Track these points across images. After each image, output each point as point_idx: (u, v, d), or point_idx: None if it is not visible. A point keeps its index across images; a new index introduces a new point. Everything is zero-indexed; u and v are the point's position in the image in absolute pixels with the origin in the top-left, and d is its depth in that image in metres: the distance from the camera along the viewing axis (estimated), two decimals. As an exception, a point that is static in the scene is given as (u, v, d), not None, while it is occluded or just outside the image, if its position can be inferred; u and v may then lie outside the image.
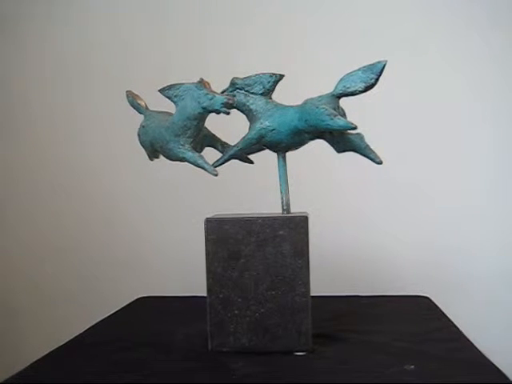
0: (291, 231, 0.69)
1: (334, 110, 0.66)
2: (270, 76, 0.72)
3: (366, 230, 1.17)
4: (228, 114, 0.68)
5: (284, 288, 0.69)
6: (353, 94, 0.66)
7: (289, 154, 0.75)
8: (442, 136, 1.14)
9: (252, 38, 1.18)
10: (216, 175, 0.70)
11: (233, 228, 0.70)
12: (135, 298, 1.01)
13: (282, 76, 0.73)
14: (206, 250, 0.70)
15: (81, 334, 0.80)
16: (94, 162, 1.12)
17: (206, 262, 0.70)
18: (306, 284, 0.69)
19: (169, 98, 0.70)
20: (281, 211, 0.74)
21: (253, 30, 1.18)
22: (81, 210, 1.11)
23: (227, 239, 0.70)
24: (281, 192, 0.75)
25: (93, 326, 0.84)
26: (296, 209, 0.77)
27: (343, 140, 0.69)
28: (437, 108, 1.14)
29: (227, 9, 1.18)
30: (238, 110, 0.73)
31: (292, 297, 0.69)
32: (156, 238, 1.15)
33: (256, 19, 1.19)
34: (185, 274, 1.11)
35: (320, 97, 0.68)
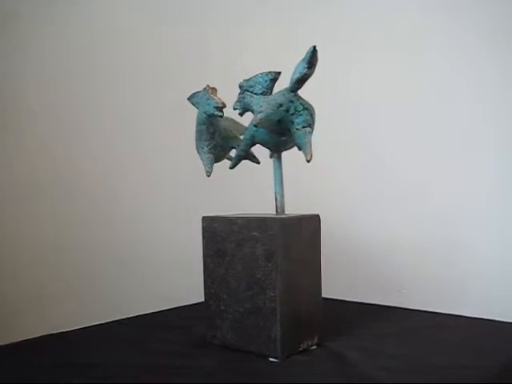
0: (263, 233, 0.67)
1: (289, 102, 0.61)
2: (266, 75, 0.71)
3: (367, 230, 1.16)
4: (221, 116, 0.71)
5: (257, 290, 0.68)
6: (298, 83, 0.60)
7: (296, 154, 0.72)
8: (442, 136, 1.11)
9: (253, 38, 1.17)
10: (208, 176, 0.73)
11: (220, 226, 0.72)
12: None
13: (278, 73, 0.71)
14: (202, 245, 0.75)
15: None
16: (94, 162, 1.11)
17: (203, 257, 0.75)
18: (275, 289, 0.66)
19: (194, 105, 0.77)
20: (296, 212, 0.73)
21: (253, 31, 1.17)
22: (81, 209, 1.11)
23: (216, 237, 0.73)
24: (275, 193, 0.72)
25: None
26: (309, 209, 0.73)
27: (295, 136, 0.63)
28: (438, 108, 1.11)
29: (229, 10, 1.17)
30: (249, 111, 0.74)
31: (263, 300, 0.67)
32: (156, 238, 1.14)
33: (256, 19, 1.18)
34: (185, 274, 1.11)
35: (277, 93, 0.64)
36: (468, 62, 1.08)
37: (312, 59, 0.57)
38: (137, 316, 0.91)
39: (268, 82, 0.71)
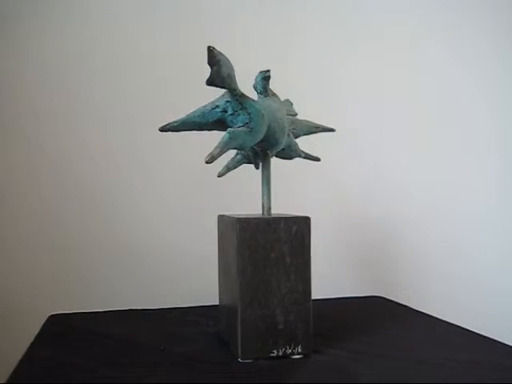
0: (233, 233, 0.67)
1: None
2: (258, 74, 0.71)
3: (368, 231, 1.16)
4: None
5: (232, 289, 0.69)
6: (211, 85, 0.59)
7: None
8: (444, 136, 1.14)
9: (254, 37, 1.12)
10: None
11: (221, 225, 0.76)
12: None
13: (267, 71, 0.70)
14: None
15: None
16: (93, 162, 1.08)
17: (219, 251, 0.79)
18: (239, 289, 0.66)
19: None
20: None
21: (253, 30, 1.12)
22: (81, 210, 1.07)
23: (220, 234, 0.77)
24: (262, 195, 0.71)
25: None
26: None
27: None
28: (440, 108, 1.13)
29: (229, 9, 1.10)
30: None
31: (233, 299, 0.68)
32: (156, 238, 1.09)
33: (256, 19, 1.13)
34: (184, 275, 1.07)
35: None
36: (469, 62, 1.07)
37: (209, 60, 0.56)
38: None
39: (260, 81, 0.70)
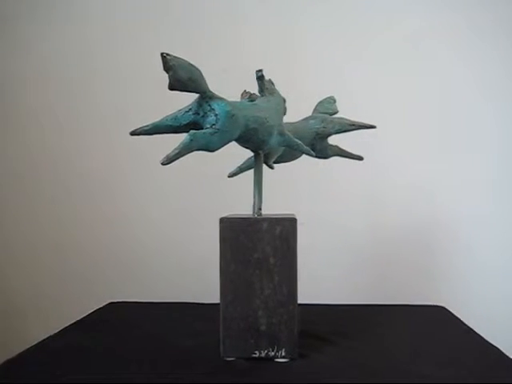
0: (220, 232, 0.68)
1: None
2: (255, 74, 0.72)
3: (369, 231, 1.14)
4: None
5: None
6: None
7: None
8: (446, 136, 1.12)
9: (254, 38, 1.10)
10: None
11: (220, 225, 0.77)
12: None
13: (258, 71, 0.70)
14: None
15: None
16: (94, 162, 1.07)
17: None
18: (220, 288, 0.66)
19: None
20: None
21: (253, 30, 1.11)
22: (81, 210, 1.06)
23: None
24: (253, 196, 0.71)
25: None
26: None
27: None
28: (443, 108, 1.11)
29: (229, 9, 1.07)
30: None
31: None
32: (156, 239, 1.07)
33: (255, 18, 1.11)
34: (184, 275, 1.03)
35: None
36: (472, 62, 1.07)
37: (164, 67, 0.57)
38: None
39: (258, 81, 0.71)
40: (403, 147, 1.10)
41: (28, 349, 0.71)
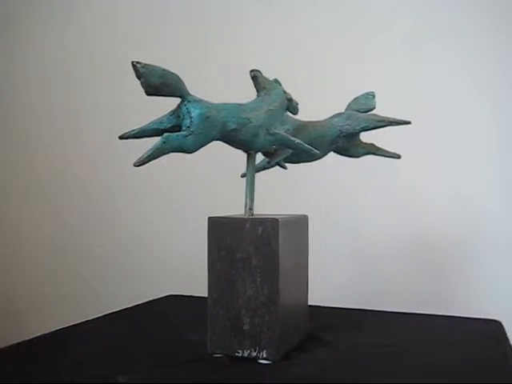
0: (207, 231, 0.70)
1: None
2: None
3: (370, 232, 1.14)
4: None
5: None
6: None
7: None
8: (446, 136, 1.09)
9: (253, 37, 1.08)
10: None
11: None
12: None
13: (251, 71, 0.71)
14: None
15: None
16: (93, 162, 1.05)
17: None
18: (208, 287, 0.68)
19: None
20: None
21: (253, 30, 1.09)
22: (81, 211, 1.04)
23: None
24: (245, 196, 0.71)
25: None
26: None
27: None
28: (441, 108, 1.09)
29: (229, 9, 1.07)
30: None
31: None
32: (156, 239, 1.04)
33: (257, 18, 1.10)
34: (184, 276, 0.96)
35: None
36: (470, 62, 1.05)
37: (135, 74, 0.59)
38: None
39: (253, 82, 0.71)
40: (403, 147, 1.03)
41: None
